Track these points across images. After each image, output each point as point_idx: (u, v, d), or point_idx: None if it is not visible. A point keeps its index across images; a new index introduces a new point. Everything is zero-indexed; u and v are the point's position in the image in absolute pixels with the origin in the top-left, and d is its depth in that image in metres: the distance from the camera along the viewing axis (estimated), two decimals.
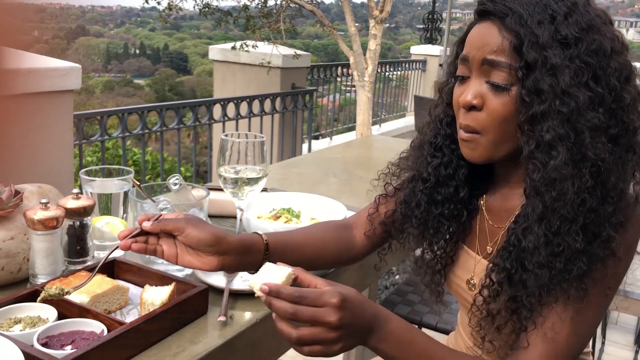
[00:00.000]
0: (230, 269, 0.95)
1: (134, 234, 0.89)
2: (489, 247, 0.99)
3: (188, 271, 1.11)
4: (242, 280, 1.09)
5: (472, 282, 1.00)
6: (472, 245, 1.03)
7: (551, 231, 0.81)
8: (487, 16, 0.88)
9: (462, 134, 0.90)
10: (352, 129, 6.67)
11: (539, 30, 0.81)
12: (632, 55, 0.88)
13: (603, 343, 3.02)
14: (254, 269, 0.91)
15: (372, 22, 3.89)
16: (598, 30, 0.84)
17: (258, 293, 0.76)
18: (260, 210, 1.36)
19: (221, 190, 1.27)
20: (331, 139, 6.14)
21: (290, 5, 4.89)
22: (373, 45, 3.90)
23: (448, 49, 7.20)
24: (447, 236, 1.03)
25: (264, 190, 1.38)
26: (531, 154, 0.83)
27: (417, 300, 1.97)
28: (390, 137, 6.28)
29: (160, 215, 0.91)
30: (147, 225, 0.89)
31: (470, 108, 0.88)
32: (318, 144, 5.73)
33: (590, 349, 1.06)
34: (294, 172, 2.03)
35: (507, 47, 0.84)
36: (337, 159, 2.25)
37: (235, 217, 1.26)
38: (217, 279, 1.07)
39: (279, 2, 4.72)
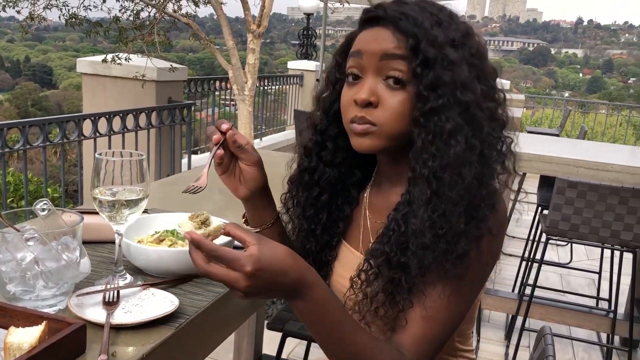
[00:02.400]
0: (246, 207, 1.08)
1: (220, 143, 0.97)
2: (370, 245, 1.01)
3: (61, 305, 0.99)
4: (124, 312, 1.00)
5: (354, 279, 1.01)
6: (354, 243, 1.06)
7: (436, 214, 0.85)
8: (377, 22, 0.91)
9: (355, 127, 0.92)
10: None
11: (435, 32, 0.87)
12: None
13: (478, 340, 3.19)
14: (254, 225, 1.08)
15: (249, 37, 3.85)
16: (473, 37, 0.92)
17: (183, 234, 0.78)
18: (141, 234, 1.27)
19: (96, 213, 1.16)
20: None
21: (165, 17, 4.73)
22: (252, 59, 3.86)
23: (324, 64, 7.35)
24: (326, 236, 1.07)
25: (145, 211, 1.28)
26: (428, 144, 0.87)
27: None
28: (272, 150, 6.27)
29: (233, 125, 1.01)
30: (230, 138, 0.98)
31: (366, 105, 0.90)
32: (198, 159, 5.59)
33: (472, 347, 1.10)
34: (176, 190, 1.93)
35: (403, 46, 0.88)
36: None
37: (113, 243, 1.16)
38: (95, 313, 0.97)
39: (152, 14, 4.55)
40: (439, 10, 0.91)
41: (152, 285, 1.10)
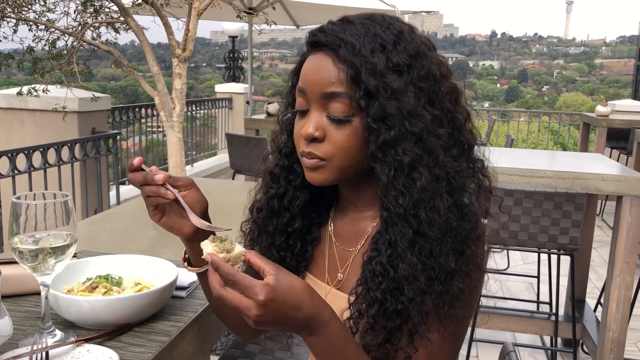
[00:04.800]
0: (195, 240, 0.95)
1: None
2: (339, 275, 0.97)
3: None
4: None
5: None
6: (320, 275, 1.00)
7: (424, 255, 0.81)
8: (320, 47, 0.86)
9: (305, 161, 0.89)
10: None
11: (374, 59, 0.82)
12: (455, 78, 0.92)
13: None
14: (197, 264, 0.99)
15: (175, 61, 3.72)
16: (425, 56, 0.86)
17: (204, 256, 0.78)
18: (71, 282, 1.14)
19: (16, 262, 1.04)
20: None
21: (83, 46, 4.52)
22: (179, 84, 3.72)
23: (253, 87, 7.29)
24: (294, 262, 1.01)
25: (74, 256, 1.16)
26: (392, 180, 0.82)
27: (256, 351, 1.84)
28: (202, 177, 6.12)
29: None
30: (159, 177, 0.91)
31: (313, 140, 0.86)
32: (127, 191, 5.37)
33: None
34: (106, 228, 1.80)
35: (344, 78, 0.83)
36: None
37: (38, 294, 1.03)
38: None
39: (69, 43, 4.34)
40: (386, 29, 0.86)
41: (87, 340, 0.99)
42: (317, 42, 0.87)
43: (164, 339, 1.04)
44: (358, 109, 0.84)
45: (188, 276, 1.24)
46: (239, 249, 0.80)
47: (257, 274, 0.76)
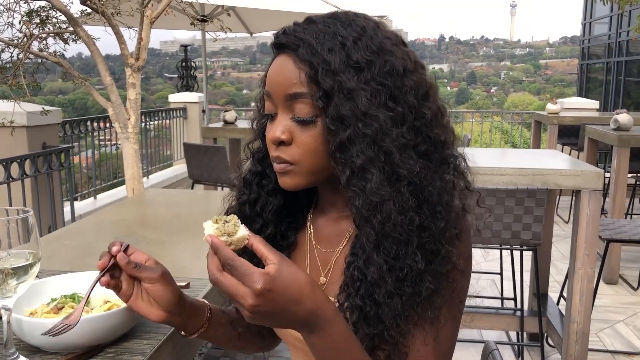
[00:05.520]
0: (172, 325, 0.93)
1: (107, 267, 0.86)
2: (322, 278, 0.94)
3: None
4: None
5: None
6: None
7: (390, 257, 0.79)
8: (283, 49, 0.85)
9: (275, 166, 0.88)
10: (117, 185, 6.21)
11: (330, 57, 0.81)
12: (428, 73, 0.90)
13: None
14: (190, 332, 0.95)
15: (128, 71, 3.63)
16: (389, 51, 0.84)
17: (205, 237, 0.75)
18: (34, 304, 1.07)
19: None
20: (95, 198, 5.64)
21: (30, 58, 4.36)
22: (133, 94, 3.64)
23: (207, 95, 7.20)
24: None
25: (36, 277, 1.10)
26: (348, 181, 0.81)
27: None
28: (161, 188, 5.99)
29: (128, 245, 0.88)
30: (122, 260, 0.85)
31: (280, 143, 0.85)
32: (81, 206, 5.21)
33: None
34: (66, 245, 1.72)
35: (304, 78, 0.82)
36: (116, 221, 1.98)
37: None
38: None
39: (15, 55, 4.18)
40: (347, 26, 0.84)
41: None
42: (279, 43, 0.86)
43: (139, 358, 0.98)
44: (319, 110, 0.82)
45: None
46: (242, 232, 0.76)
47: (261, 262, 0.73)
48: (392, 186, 0.80)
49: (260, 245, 0.74)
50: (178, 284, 1.27)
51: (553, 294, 3.68)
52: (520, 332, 3.15)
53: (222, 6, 4.01)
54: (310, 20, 0.86)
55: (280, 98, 0.85)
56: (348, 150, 0.81)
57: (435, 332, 0.82)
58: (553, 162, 3.06)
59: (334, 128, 0.81)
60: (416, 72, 0.86)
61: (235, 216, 0.78)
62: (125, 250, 0.87)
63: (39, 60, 4.42)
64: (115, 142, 6.62)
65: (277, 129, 0.85)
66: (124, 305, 1.04)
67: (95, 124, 5.69)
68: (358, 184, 0.81)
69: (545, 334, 3.21)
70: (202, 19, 3.86)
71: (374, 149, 0.80)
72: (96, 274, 1.18)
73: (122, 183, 6.10)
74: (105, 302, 1.08)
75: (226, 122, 5.43)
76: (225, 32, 3.37)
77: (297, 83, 0.82)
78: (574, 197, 6.02)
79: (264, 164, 0.96)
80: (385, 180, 0.80)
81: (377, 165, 0.80)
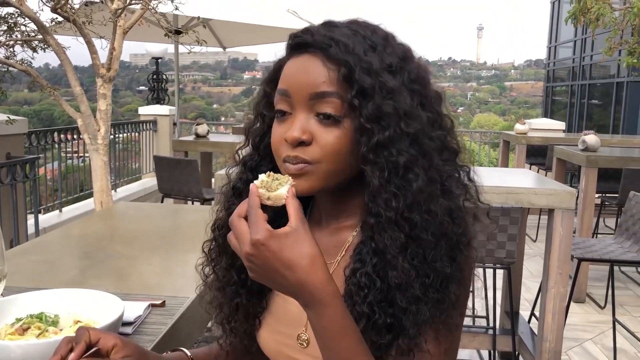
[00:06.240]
0: None
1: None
2: None
3: None
4: None
5: (303, 337, 0.89)
6: None
7: (417, 261, 0.77)
8: (305, 49, 0.82)
9: (289, 167, 0.83)
10: (84, 198, 6.06)
11: (369, 58, 0.80)
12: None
13: None
14: None
15: (99, 82, 3.55)
16: (412, 60, 0.86)
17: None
18: None
19: None
20: (61, 211, 5.48)
21: None
22: (103, 105, 3.56)
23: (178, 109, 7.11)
24: (257, 284, 0.92)
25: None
26: (386, 182, 0.79)
27: None
28: (130, 201, 5.87)
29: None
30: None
31: (299, 144, 0.81)
32: (45, 219, 5.05)
33: None
34: (31, 260, 1.64)
35: (335, 77, 0.80)
36: (84, 235, 1.91)
37: None
38: None
39: None
40: (373, 32, 0.84)
41: None
42: (303, 43, 0.83)
43: None
44: (349, 110, 0.80)
45: (134, 310, 1.13)
46: (281, 191, 0.77)
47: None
48: (434, 187, 0.80)
49: (290, 207, 0.75)
50: (152, 302, 1.22)
51: (524, 312, 3.69)
52: (492, 351, 3.14)
53: (198, 17, 3.97)
54: (332, 23, 0.85)
55: (303, 97, 0.81)
56: (385, 149, 0.79)
57: (449, 337, 0.81)
58: (525, 181, 3.09)
59: (370, 127, 0.79)
60: (432, 83, 0.88)
61: (290, 178, 0.79)
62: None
63: (5, 68, 4.30)
64: (82, 154, 6.48)
65: (296, 129, 0.81)
66: (96, 325, 0.98)
67: (62, 135, 5.55)
68: (399, 184, 0.79)
69: (517, 353, 3.21)
70: (177, 31, 3.81)
71: (416, 149, 0.80)
72: (64, 291, 1.12)
73: (89, 196, 5.95)
74: (76, 322, 1.02)
75: (198, 136, 5.36)
76: (200, 44, 3.33)
77: (325, 82, 0.80)
78: (540, 216, 6.10)
79: (257, 172, 0.91)
80: (429, 181, 0.80)
81: (422, 165, 0.80)
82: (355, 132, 0.80)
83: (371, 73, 0.79)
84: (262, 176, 0.78)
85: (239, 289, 0.93)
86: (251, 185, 0.76)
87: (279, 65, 0.87)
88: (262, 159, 0.92)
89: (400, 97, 0.80)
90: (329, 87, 0.80)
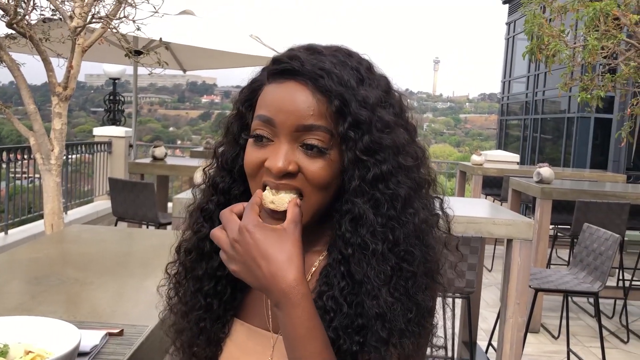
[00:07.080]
0: None
1: None
2: None
3: None
4: None
5: None
6: (261, 323, 0.89)
7: (398, 294, 0.76)
8: (292, 76, 0.79)
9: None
10: (31, 220, 5.82)
11: (364, 91, 0.79)
12: None
13: None
14: None
15: (55, 100, 3.44)
16: (393, 91, 0.85)
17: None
18: None
19: None
20: (6, 233, 5.26)
21: None
22: (58, 124, 3.44)
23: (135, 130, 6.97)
24: (221, 309, 0.90)
25: None
26: (381, 215, 0.77)
27: None
28: (82, 224, 5.67)
29: None
30: None
31: (284, 175, 0.78)
32: None
33: None
34: None
35: (324, 109, 0.78)
36: (34, 260, 1.81)
37: None
38: None
39: None
40: (358, 62, 0.83)
41: None
42: (290, 70, 0.80)
43: None
44: (338, 142, 0.79)
45: (90, 339, 1.06)
46: (285, 195, 0.79)
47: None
48: (430, 218, 0.81)
49: (290, 211, 0.77)
50: (109, 331, 1.16)
51: (481, 342, 3.71)
52: None
53: (160, 39, 3.91)
54: (317, 50, 0.82)
55: (289, 128, 0.78)
56: (382, 182, 0.78)
57: None
58: (484, 211, 3.13)
59: (366, 159, 0.78)
60: (410, 114, 0.88)
61: (292, 194, 0.80)
62: None
63: None
64: (30, 175, 6.25)
65: (281, 159, 0.78)
66: (50, 357, 0.92)
67: (11, 155, 5.34)
68: (397, 217, 0.78)
69: None
70: (137, 52, 3.75)
71: (412, 182, 0.80)
72: (13, 318, 1.05)
73: (37, 218, 5.72)
74: (28, 353, 0.95)
75: (155, 158, 5.25)
76: (162, 66, 3.27)
77: (314, 115, 0.78)
78: (496, 246, 6.19)
79: (229, 195, 0.89)
80: (423, 215, 0.80)
81: (419, 195, 0.81)
82: (346, 164, 0.79)
83: (367, 106, 0.78)
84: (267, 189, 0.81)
85: (203, 313, 0.90)
86: (258, 190, 0.79)
87: (258, 86, 0.84)
88: (234, 180, 0.89)
89: (397, 130, 0.80)
90: (317, 120, 0.78)
